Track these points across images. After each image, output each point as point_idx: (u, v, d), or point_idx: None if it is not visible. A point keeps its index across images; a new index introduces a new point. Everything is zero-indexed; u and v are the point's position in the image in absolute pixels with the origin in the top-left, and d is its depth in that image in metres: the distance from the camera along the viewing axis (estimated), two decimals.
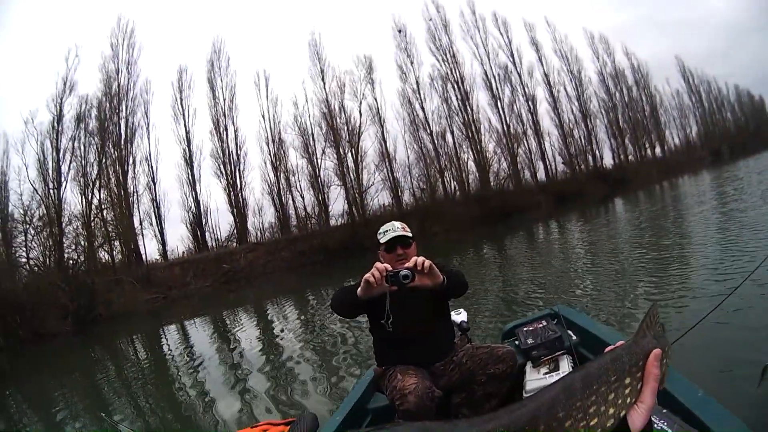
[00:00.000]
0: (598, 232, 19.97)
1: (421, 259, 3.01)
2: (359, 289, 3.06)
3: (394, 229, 3.54)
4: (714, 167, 42.16)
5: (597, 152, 54.76)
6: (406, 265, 3.01)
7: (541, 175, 51.39)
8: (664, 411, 2.31)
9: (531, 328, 4.20)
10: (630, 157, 57.33)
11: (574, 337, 3.94)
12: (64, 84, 34.14)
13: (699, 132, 67.47)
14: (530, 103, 51.18)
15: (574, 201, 41.14)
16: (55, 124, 33.42)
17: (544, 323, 4.23)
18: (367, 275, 2.97)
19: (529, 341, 3.99)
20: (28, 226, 29.43)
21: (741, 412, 2.36)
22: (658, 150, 61.45)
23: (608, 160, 55.66)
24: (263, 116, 44.32)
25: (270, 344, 11.67)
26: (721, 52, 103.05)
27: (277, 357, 10.24)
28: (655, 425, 2.15)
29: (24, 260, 28.69)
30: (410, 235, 3.55)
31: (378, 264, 3.03)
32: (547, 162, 51.95)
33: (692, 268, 8.91)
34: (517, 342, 4.19)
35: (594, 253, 14.35)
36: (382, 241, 3.54)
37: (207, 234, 41.22)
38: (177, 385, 10.04)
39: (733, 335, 5.17)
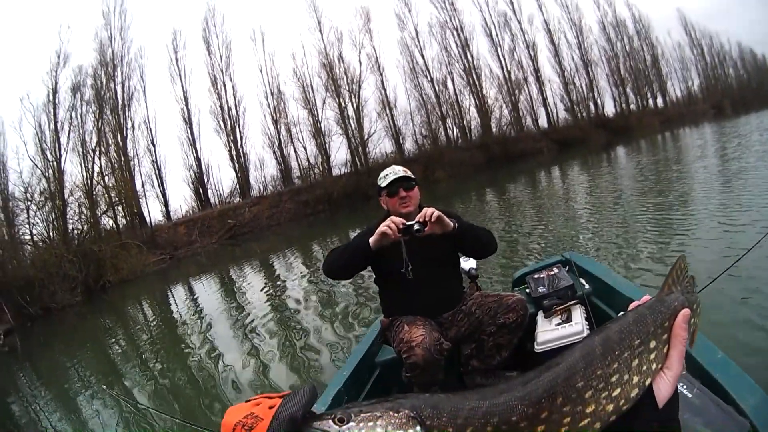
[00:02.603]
0: (601, 179, 19.73)
1: (430, 210, 3.04)
2: (372, 240, 3.09)
3: (395, 171, 3.40)
4: (716, 121, 41.53)
5: (598, 100, 54.63)
6: (418, 217, 3.05)
7: (542, 122, 51.56)
8: (684, 372, 2.11)
9: (542, 276, 4.02)
10: (632, 106, 57.02)
11: (587, 286, 3.76)
12: (58, 57, 33.83)
13: (701, 85, 66.69)
14: (530, 50, 50.89)
15: (577, 148, 40.96)
16: (51, 96, 33.17)
17: (555, 270, 4.04)
18: (384, 228, 3.02)
19: (540, 289, 3.81)
20: (29, 202, 29.38)
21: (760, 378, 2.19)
22: (659, 100, 61.06)
23: (610, 109, 55.62)
24: (261, 70, 44.19)
25: (277, 299, 11.65)
26: (724, 8, 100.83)
27: (285, 311, 10.23)
28: None
29: (28, 237, 28.80)
30: (412, 177, 3.43)
31: (393, 217, 3.08)
32: (549, 109, 51.94)
33: (701, 222, 8.61)
34: (527, 290, 4.02)
35: (599, 201, 14.13)
36: (383, 185, 3.40)
37: (210, 191, 41.67)
38: (186, 347, 10.04)
39: (753, 294, 4.94)
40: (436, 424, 0.94)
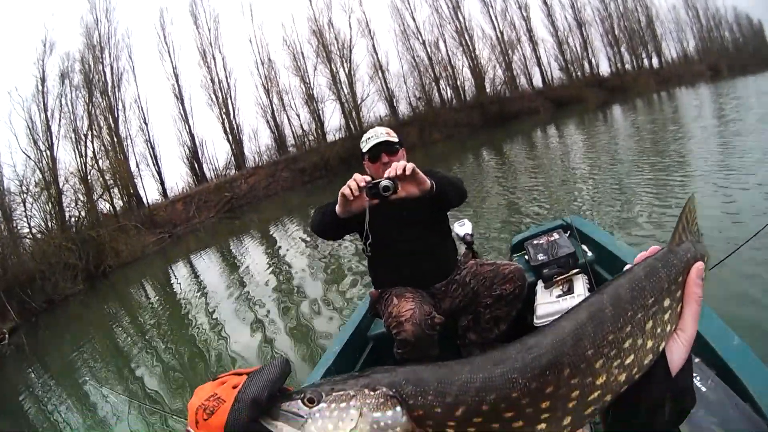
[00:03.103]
0: (598, 139, 19.62)
1: (401, 163, 2.61)
2: (337, 205, 2.74)
3: (377, 135, 3.18)
4: (712, 82, 41.07)
5: (593, 60, 54.03)
6: (386, 173, 2.60)
7: (537, 81, 51.02)
8: (697, 360, 1.98)
9: (542, 242, 3.85)
10: (627, 66, 56.29)
11: (589, 254, 3.58)
12: (44, 45, 33.40)
13: (697, 47, 65.43)
14: (523, 10, 50.19)
15: (573, 107, 40.76)
16: (40, 86, 32.83)
17: (556, 236, 3.86)
18: (343, 188, 2.63)
19: (540, 257, 3.65)
20: (25, 195, 29.11)
21: None
22: (655, 61, 60.10)
23: (605, 69, 54.94)
24: (250, 41, 43.89)
25: (276, 270, 11.72)
26: None
27: (283, 283, 10.32)
28: None
29: (26, 231, 28.60)
30: (396, 140, 3.19)
31: (356, 174, 2.69)
32: (543, 68, 51.49)
33: (702, 186, 8.37)
34: (526, 257, 3.86)
35: (597, 161, 14.04)
36: (364, 149, 3.21)
37: (205, 166, 41.59)
38: (190, 325, 10.14)
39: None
40: (420, 403, 0.80)
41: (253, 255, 15.57)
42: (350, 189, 2.61)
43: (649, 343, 0.79)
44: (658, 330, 0.80)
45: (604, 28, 54.93)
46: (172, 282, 17.24)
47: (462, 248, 3.83)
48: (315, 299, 8.31)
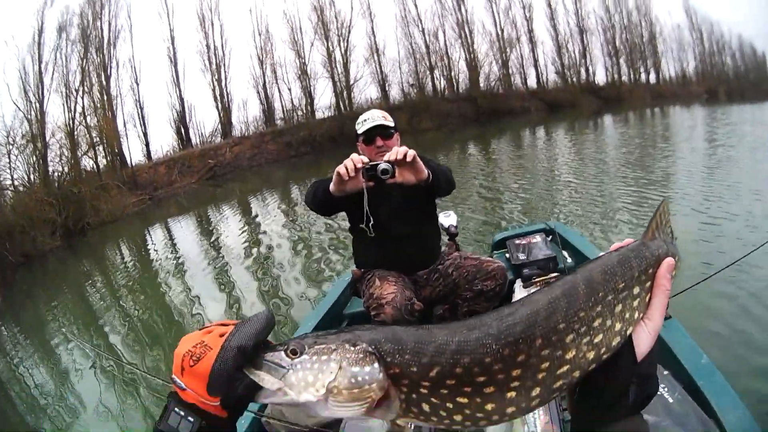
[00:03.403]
0: (586, 146, 19.88)
1: (403, 149, 2.64)
2: (331, 183, 2.73)
3: (374, 117, 3.16)
4: (708, 105, 41.37)
5: (590, 68, 53.47)
6: (386, 157, 2.64)
7: (532, 82, 50.61)
8: (666, 373, 2.13)
9: (524, 242, 3.96)
10: (624, 78, 55.71)
11: (569, 260, 3.70)
12: None
13: (696, 69, 64.55)
14: (526, 10, 49.60)
15: (565, 111, 40.74)
16: (37, 37, 31.95)
17: (538, 239, 3.98)
18: (339, 167, 2.63)
19: (521, 256, 3.77)
20: (11, 146, 28.40)
21: (743, 391, 2.19)
22: (652, 77, 59.52)
23: (601, 78, 54.37)
24: (250, 11, 44.62)
25: (252, 241, 11.77)
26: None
27: (259, 254, 10.38)
28: None
29: (9, 183, 27.99)
30: (392, 125, 3.18)
31: (354, 155, 2.70)
32: (539, 70, 50.92)
33: (682, 207, 8.56)
34: (507, 255, 3.97)
35: (583, 168, 14.19)
36: (360, 131, 3.18)
37: (191, 131, 41.02)
38: (162, 288, 10.16)
39: (740, 294, 4.88)
40: (398, 360, 0.85)
41: (231, 224, 15.52)
42: (346, 168, 2.61)
43: (618, 326, 0.85)
44: (627, 315, 0.86)
45: (606, 38, 54.43)
46: (148, 245, 17.10)
47: (445, 239, 3.89)
48: (291, 272, 8.38)
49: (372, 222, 2.85)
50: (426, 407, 0.85)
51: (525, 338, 0.81)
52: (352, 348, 0.86)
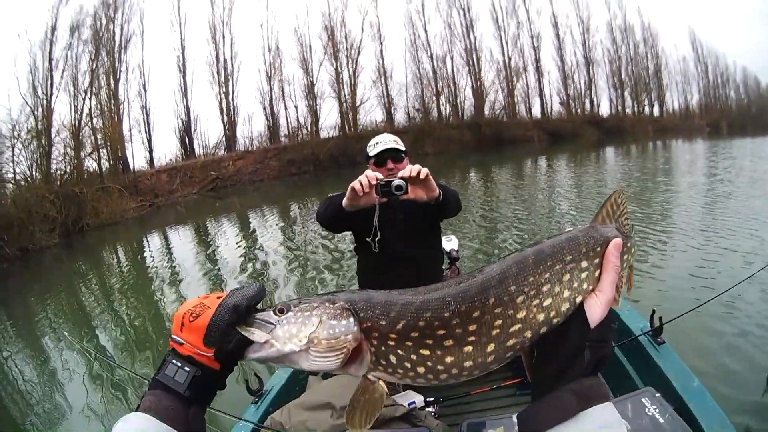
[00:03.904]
0: (587, 178, 19.95)
1: (417, 166, 2.68)
2: (344, 198, 2.76)
3: (386, 141, 3.24)
4: (710, 139, 41.86)
5: (595, 99, 54.29)
6: (400, 174, 2.67)
7: (536, 111, 51.20)
8: (658, 395, 2.18)
9: None
10: (628, 111, 56.51)
11: None
12: None
13: (700, 102, 65.60)
14: (534, 40, 50.36)
15: (568, 142, 41.08)
16: (50, 34, 32.25)
17: None
18: (354, 182, 2.66)
19: None
20: (15, 140, 28.52)
21: (732, 413, 2.28)
22: (656, 109, 60.60)
23: (605, 109, 55.24)
24: (261, 26, 43.78)
25: (250, 257, 11.68)
26: (734, 32, 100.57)
27: (255, 269, 10.34)
28: (646, 410, 2.08)
29: (10, 176, 28.03)
30: (403, 149, 3.26)
31: (369, 171, 2.73)
32: (544, 100, 51.64)
33: (681, 240, 8.76)
34: None
35: (583, 200, 14.28)
36: (371, 153, 3.24)
37: (195, 142, 41.26)
38: (156, 295, 10.22)
39: (732, 323, 5.04)
40: (369, 315, 0.96)
41: (228, 237, 15.53)
42: (361, 184, 2.65)
43: (566, 293, 0.92)
44: (575, 284, 0.93)
45: (611, 69, 55.25)
46: (145, 251, 17.14)
47: (447, 263, 3.92)
48: (286, 290, 8.34)
49: (378, 237, 2.90)
50: (393, 359, 0.95)
51: (480, 297, 0.91)
52: (331, 306, 0.98)
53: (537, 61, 50.67)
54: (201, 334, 0.96)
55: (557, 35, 51.52)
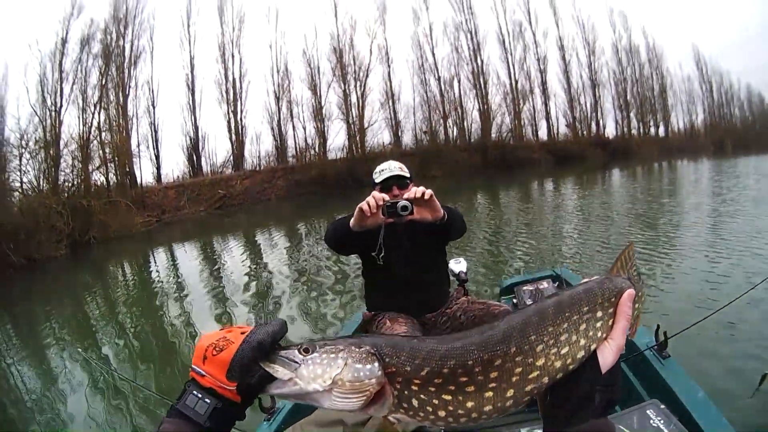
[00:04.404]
0: (594, 199, 20.04)
1: (421, 188, 2.78)
2: (352, 219, 2.84)
3: (391, 168, 3.32)
4: (715, 158, 42.14)
5: (601, 121, 54.47)
6: (406, 195, 2.77)
7: (542, 133, 51.51)
8: (662, 407, 2.24)
9: (531, 288, 4.05)
10: (633, 132, 56.92)
11: None
12: (72, 6, 33.15)
13: (705, 121, 66.34)
14: (541, 63, 50.67)
15: (573, 164, 41.29)
16: (60, 45, 32.55)
17: (545, 284, 4.07)
18: (362, 203, 2.74)
19: (528, 302, 3.83)
20: (23, 150, 28.75)
21: (733, 415, 2.32)
22: (662, 129, 60.96)
23: (611, 131, 55.50)
24: (270, 46, 43.99)
25: (256, 276, 11.66)
26: (738, 48, 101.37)
27: (262, 291, 10.25)
28: (651, 421, 2.14)
29: (18, 184, 28.21)
30: (408, 175, 3.34)
31: (376, 193, 2.82)
32: (551, 122, 51.85)
33: (686, 260, 8.79)
34: (515, 300, 4.06)
35: (589, 221, 14.32)
36: (377, 180, 3.32)
37: (203, 159, 41.50)
38: (162, 310, 10.15)
39: (735, 337, 5.12)
40: (394, 362, 1.00)
41: (234, 256, 15.52)
42: (369, 205, 2.72)
43: (582, 341, 0.98)
44: (590, 333, 0.99)
45: (617, 91, 55.54)
46: (151, 266, 17.14)
47: (455, 284, 3.95)
48: (293, 311, 8.30)
49: (383, 253, 2.94)
50: (415, 403, 0.99)
51: (502, 346, 0.96)
52: (357, 349, 1.01)
53: (543, 83, 50.98)
54: (224, 368, 0.99)
55: (563, 57, 51.78)
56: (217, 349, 1.00)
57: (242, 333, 1.03)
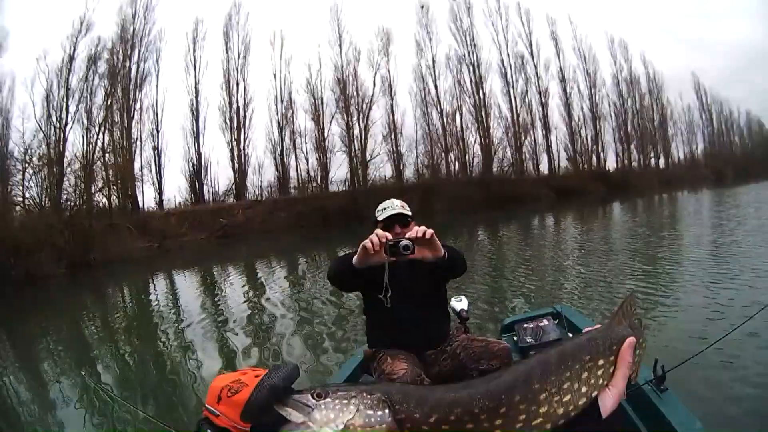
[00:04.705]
0: (594, 234, 20.14)
1: (422, 228, 2.80)
2: (355, 256, 2.88)
3: (393, 206, 3.39)
4: (715, 187, 42.38)
5: (602, 154, 54.99)
6: (407, 235, 2.78)
7: (543, 167, 51.91)
8: None
9: (531, 326, 4.10)
10: (634, 164, 57.49)
11: None
12: (81, 23, 33.61)
13: (705, 150, 67.51)
14: (542, 95, 51.26)
15: (574, 198, 41.39)
16: (68, 62, 32.85)
17: (545, 322, 4.12)
18: (365, 241, 2.78)
19: (528, 339, 3.90)
20: (27, 165, 29.04)
21: None
22: (662, 161, 61.81)
23: (612, 163, 55.98)
24: (275, 75, 44.35)
25: (256, 308, 11.56)
26: (738, 75, 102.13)
27: (263, 323, 10.16)
28: None
29: (19, 199, 28.38)
30: (410, 213, 3.40)
31: (379, 230, 2.83)
32: (552, 156, 52.35)
33: (687, 291, 8.84)
34: (515, 338, 4.10)
35: (589, 256, 14.29)
36: (380, 218, 3.38)
37: (205, 187, 41.60)
38: (161, 336, 10.08)
39: (735, 366, 5.12)
40: (404, 408, 1.05)
41: (235, 286, 15.44)
42: (372, 243, 2.75)
43: (584, 389, 1.05)
44: (592, 381, 1.06)
45: (618, 123, 56.25)
46: (150, 291, 17.07)
47: (456, 322, 4.00)
48: (292, 346, 8.25)
49: (390, 293, 2.92)
50: None
51: (506, 394, 1.03)
52: (369, 396, 1.08)
53: (545, 116, 51.73)
54: (239, 410, 1.07)
55: (564, 90, 52.46)
56: (232, 390, 1.08)
57: (256, 376, 1.11)
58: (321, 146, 43.12)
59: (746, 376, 4.91)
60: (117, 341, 10.24)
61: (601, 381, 1.07)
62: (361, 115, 43.57)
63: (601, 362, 1.07)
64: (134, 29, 37.30)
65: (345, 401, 1.06)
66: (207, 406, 1.11)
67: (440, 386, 1.13)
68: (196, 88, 41.83)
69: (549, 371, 1.03)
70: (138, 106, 37.35)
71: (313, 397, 1.08)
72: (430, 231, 2.79)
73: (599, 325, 1.19)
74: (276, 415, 1.07)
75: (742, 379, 4.84)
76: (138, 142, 37.20)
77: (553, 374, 1.03)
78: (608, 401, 1.06)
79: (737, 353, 5.26)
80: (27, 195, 28.84)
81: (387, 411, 1.05)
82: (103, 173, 33.29)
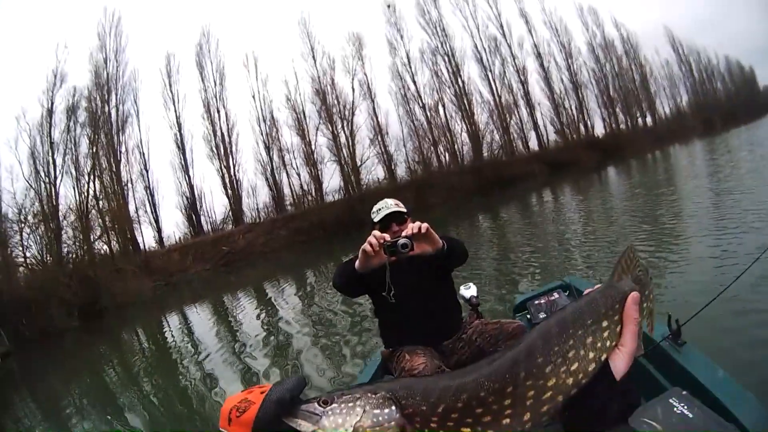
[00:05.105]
0: (593, 202, 20.13)
1: (417, 224, 2.83)
2: (357, 261, 2.93)
3: (387, 206, 3.44)
4: (705, 136, 42.35)
5: (588, 122, 55.11)
6: (404, 233, 2.81)
7: (533, 144, 51.87)
8: (684, 393, 2.24)
9: (543, 302, 4.13)
10: (621, 126, 57.61)
11: None
12: (55, 76, 33.66)
13: (690, 101, 67.67)
14: (521, 74, 51.27)
15: (568, 170, 41.30)
16: (47, 117, 32.96)
17: (556, 296, 4.14)
18: (364, 245, 2.82)
19: (541, 315, 3.92)
20: (23, 224, 29.06)
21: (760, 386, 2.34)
22: (649, 119, 61.86)
23: (600, 130, 56.10)
24: (254, 96, 44.27)
25: (272, 329, 11.56)
26: (710, 21, 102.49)
27: (280, 342, 10.17)
28: (675, 409, 2.14)
29: (21, 259, 28.38)
30: (404, 210, 3.45)
31: (375, 232, 2.87)
32: (540, 132, 52.29)
33: (694, 242, 8.87)
34: (528, 316, 4.12)
35: (591, 224, 14.38)
36: (375, 219, 3.45)
37: (202, 218, 41.50)
38: (182, 371, 10.13)
39: (748, 309, 5.13)
40: (411, 403, 1.06)
41: (248, 311, 15.44)
42: (371, 245, 2.79)
43: (591, 354, 1.01)
44: (599, 344, 1.02)
45: (599, 89, 56.33)
46: (165, 330, 17.13)
47: (468, 310, 4.02)
48: (313, 359, 8.27)
49: (393, 291, 2.95)
50: None
51: (511, 373, 1.00)
52: (373, 395, 1.09)
53: (526, 94, 51.59)
54: (248, 428, 1.09)
55: (542, 65, 52.53)
56: (239, 410, 1.10)
57: (262, 392, 1.13)
58: (310, 159, 43.01)
59: (764, 319, 4.91)
60: (140, 383, 10.27)
61: (608, 343, 1.03)
62: (345, 123, 43.51)
63: (605, 324, 1.03)
64: (108, 74, 37.18)
65: (351, 404, 1.08)
66: (220, 429, 1.12)
67: (445, 374, 1.14)
68: (178, 122, 41.79)
69: (551, 342, 1.00)
70: (123, 149, 37.28)
71: (319, 405, 1.10)
72: (425, 225, 2.82)
73: (599, 285, 1.13)
74: (286, 427, 1.08)
75: (759, 324, 4.85)
76: (129, 184, 37.14)
77: (556, 344, 0.99)
78: (620, 363, 1.02)
79: (752, 297, 5.27)
80: (28, 254, 28.88)
81: (394, 408, 1.06)
82: (100, 220, 33.28)
